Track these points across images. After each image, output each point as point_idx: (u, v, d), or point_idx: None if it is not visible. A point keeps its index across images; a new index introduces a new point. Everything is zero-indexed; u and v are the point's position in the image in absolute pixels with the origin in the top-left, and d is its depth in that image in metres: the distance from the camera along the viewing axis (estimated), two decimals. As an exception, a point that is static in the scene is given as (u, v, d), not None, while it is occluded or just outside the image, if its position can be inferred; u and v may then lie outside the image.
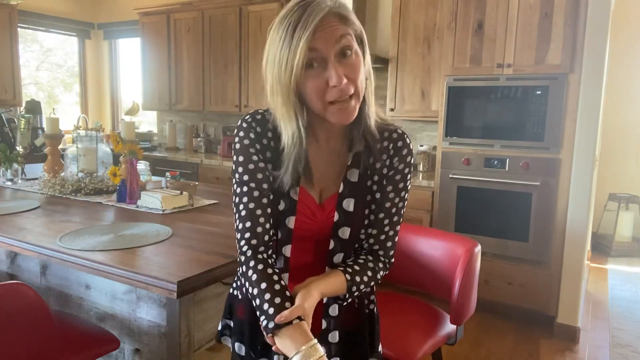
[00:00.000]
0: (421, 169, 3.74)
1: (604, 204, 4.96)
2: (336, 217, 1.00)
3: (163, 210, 2.03)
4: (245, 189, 0.97)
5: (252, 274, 0.93)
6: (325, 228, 1.01)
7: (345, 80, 0.87)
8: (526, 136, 2.94)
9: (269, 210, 0.97)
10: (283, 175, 0.95)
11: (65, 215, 1.96)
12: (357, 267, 1.00)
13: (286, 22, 0.87)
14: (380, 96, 3.69)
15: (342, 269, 0.99)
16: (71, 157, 2.56)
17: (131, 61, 5.74)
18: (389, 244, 1.04)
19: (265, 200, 0.97)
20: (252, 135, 0.98)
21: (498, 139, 3.04)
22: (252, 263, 0.94)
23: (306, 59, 0.86)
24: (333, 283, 0.96)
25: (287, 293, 0.91)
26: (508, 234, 3.06)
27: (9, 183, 2.61)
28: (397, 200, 1.03)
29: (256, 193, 0.96)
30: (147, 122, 5.77)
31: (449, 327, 1.77)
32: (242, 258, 0.96)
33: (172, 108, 4.82)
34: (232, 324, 1.14)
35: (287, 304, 0.88)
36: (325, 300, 1.02)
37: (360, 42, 0.93)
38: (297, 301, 0.88)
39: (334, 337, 1.05)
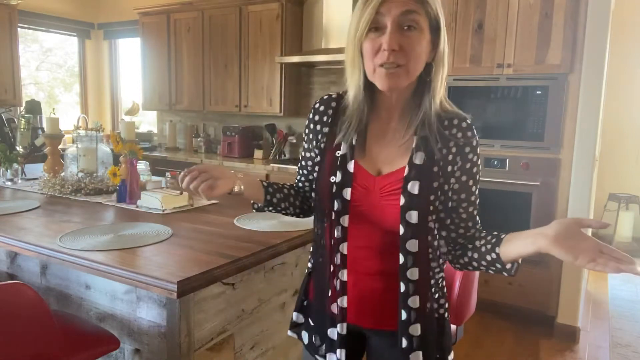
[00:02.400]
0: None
1: (604, 204, 4.96)
2: (402, 200, 0.99)
3: (163, 210, 2.03)
4: (300, 158, 1.24)
5: None
6: (384, 205, 1.02)
7: (396, 48, 0.93)
8: (526, 136, 2.94)
9: (306, 172, 1.23)
10: (343, 132, 1.06)
11: (65, 215, 1.96)
12: (496, 232, 1.05)
13: None
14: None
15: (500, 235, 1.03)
16: (71, 157, 2.56)
17: (131, 61, 5.74)
18: (480, 225, 1.11)
19: (305, 171, 1.23)
20: (316, 118, 1.15)
21: (498, 139, 3.04)
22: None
23: (370, 21, 0.95)
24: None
25: (278, 185, 1.22)
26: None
27: (9, 183, 2.61)
28: (476, 191, 1.08)
29: (303, 163, 1.23)
30: (147, 122, 5.77)
31: (449, 327, 1.77)
32: None
33: (172, 108, 4.82)
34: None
35: (275, 186, 1.21)
36: (402, 289, 1.02)
37: (436, 28, 0.99)
38: None
39: (416, 329, 1.03)
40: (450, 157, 1.03)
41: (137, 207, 2.11)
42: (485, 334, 2.95)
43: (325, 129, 1.12)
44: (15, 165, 2.67)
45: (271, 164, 3.89)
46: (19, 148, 2.83)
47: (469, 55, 3.07)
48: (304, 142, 1.20)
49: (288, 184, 1.25)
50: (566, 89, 2.81)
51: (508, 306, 3.11)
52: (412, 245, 1.00)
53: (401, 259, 1.00)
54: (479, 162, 1.07)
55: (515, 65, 2.93)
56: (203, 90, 4.53)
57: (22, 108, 4.73)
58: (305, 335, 1.20)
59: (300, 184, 1.26)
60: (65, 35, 5.62)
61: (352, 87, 1.04)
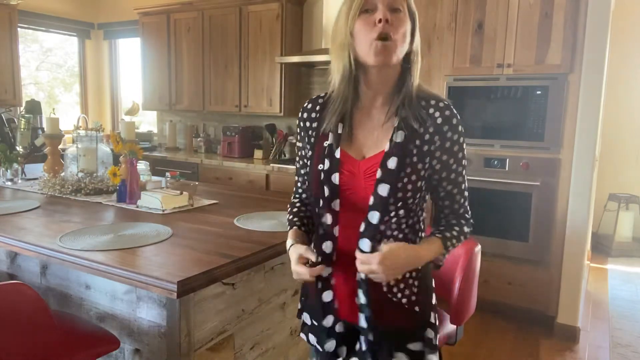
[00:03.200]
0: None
1: (604, 204, 4.96)
2: (379, 173, 1.04)
3: (163, 210, 2.03)
4: (297, 158, 1.26)
5: (289, 208, 1.28)
6: (367, 186, 1.06)
7: (389, 19, 1.00)
8: (526, 136, 2.94)
9: (305, 177, 1.24)
10: (329, 116, 1.10)
11: (65, 215, 1.96)
12: (442, 227, 1.13)
13: None
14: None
15: (433, 234, 1.12)
16: (71, 157, 2.56)
17: (131, 61, 5.74)
18: (462, 210, 1.15)
19: (300, 176, 1.26)
20: (304, 116, 1.20)
21: (498, 139, 3.04)
22: (289, 205, 1.29)
23: (362, 3, 1.02)
24: (428, 242, 1.10)
25: (295, 218, 1.22)
26: (508, 234, 3.06)
27: (9, 183, 2.61)
28: (460, 169, 1.11)
29: (301, 162, 1.24)
30: (147, 122, 5.77)
31: (449, 327, 1.77)
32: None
33: (172, 108, 4.82)
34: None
35: (295, 219, 1.22)
36: (357, 255, 1.04)
37: (412, 21, 1.07)
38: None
39: (363, 299, 1.07)
40: (427, 136, 1.06)
41: (137, 207, 2.11)
42: (485, 334, 2.95)
43: (314, 124, 1.17)
44: (15, 165, 2.68)
45: (271, 164, 3.89)
46: (19, 148, 2.83)
47: (469, 55, 3.08)
48: (297, 142, 1.24)
49: (302, 213, 1.25)
50: (566, 89, 2.81)
51: (508, 306, 3.11)
52: (374, 216, 1.04)
53: (362, 227, 1.05)
54: (461, 141, 1.09)
55: (515, 65, 2.93)
56: (203, 90, 4.53)
57: (22, 108, 4.73)
58: (310, 335, 1.22)
59: (300, 191, 1.28)
60: (65, 35, 5.62)
61: (339, 70, 1.08)
